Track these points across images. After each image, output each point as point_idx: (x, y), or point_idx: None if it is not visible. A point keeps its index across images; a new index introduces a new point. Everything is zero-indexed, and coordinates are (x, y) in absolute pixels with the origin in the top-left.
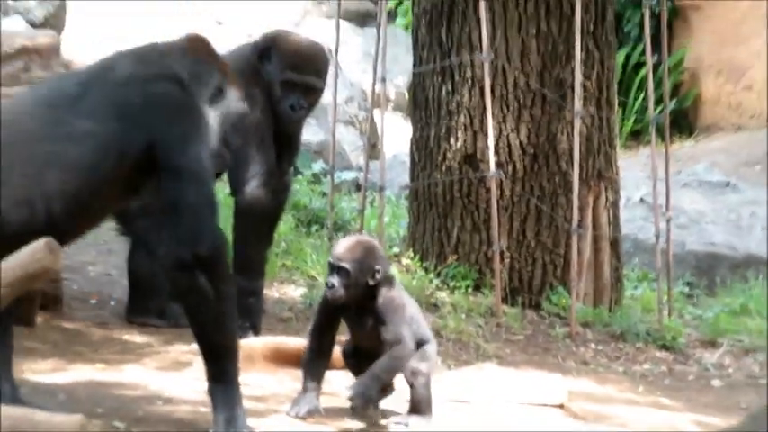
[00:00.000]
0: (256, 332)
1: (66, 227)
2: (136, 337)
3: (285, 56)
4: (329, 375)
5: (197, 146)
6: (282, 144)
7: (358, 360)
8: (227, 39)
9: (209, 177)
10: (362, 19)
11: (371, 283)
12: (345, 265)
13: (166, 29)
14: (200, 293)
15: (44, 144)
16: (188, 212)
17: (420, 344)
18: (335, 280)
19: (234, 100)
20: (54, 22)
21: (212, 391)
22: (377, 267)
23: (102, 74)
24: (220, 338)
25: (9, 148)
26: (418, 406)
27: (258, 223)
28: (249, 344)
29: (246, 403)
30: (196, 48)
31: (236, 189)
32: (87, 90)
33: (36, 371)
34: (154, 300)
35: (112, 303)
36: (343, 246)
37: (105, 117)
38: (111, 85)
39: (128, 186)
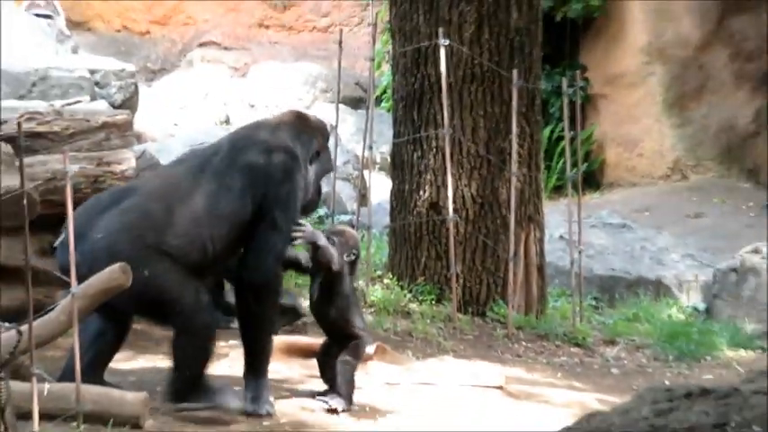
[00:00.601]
0: (275, 333)
1: (222, 261)
2: None
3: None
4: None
5: (292, 205)
6: None
7: (330, 358)
8: (257, 117)
9: (289, 233)
10: (356, 103)
11: (347, 259)
12: (335, 237)
13: (213, 112)
14: (248, 307)
15: (200, 197)
16: (263, 252)
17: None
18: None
19: (326, 160)
20: (129, 104)
21: (246, 377)
22: (354, 250)
23: (233, 145)
24: (257, 342)
25: (174, 201)
26: (340, 389)
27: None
28: None
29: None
30: (299, 121)
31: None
32: (223, 158)
33: (114, 360)
34: None
35: None
36: (337, 227)
37: (240, 177)
38: (241, 152)
39: (247, 227)
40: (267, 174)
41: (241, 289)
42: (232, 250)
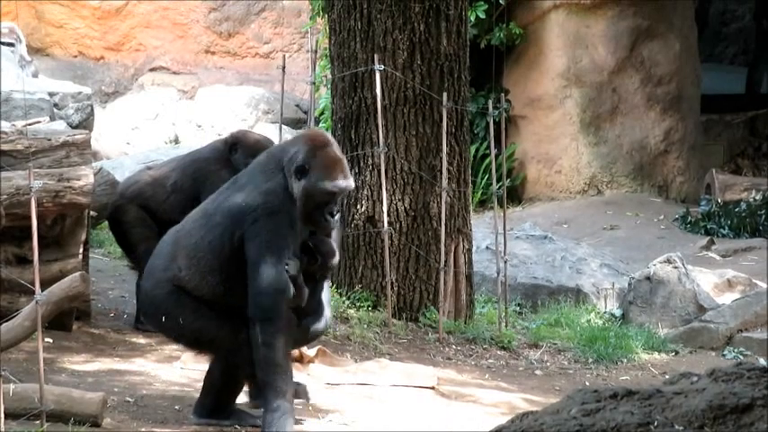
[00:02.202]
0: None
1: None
2: (141, 340)
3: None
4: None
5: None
6: None
7: None
8: (206, 138)
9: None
10: (296, 123)
11: None
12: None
13: (163, 132)
14: (254, 341)
15: (198, 234)
16: (256, 292)
17: None
18: None
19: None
20: (86, 124)
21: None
22: None
23: (233, 184)
24: (264, 373)
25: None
26: None
27: None
28: None
29: None
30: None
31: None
32: (224, 197)
33: (72, 362)
34: None
35: (125, 316)
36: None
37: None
38: (233, 193)
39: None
40: (244, 215)
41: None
42: (232, 285)
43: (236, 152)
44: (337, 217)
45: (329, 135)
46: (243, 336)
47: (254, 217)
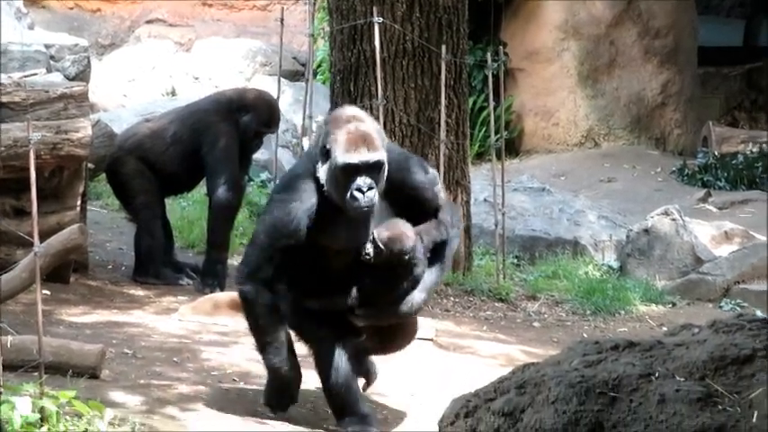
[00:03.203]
0: (222, 289)
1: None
2: (139, 292)
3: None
4: None
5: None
6: (241, 161)
7: None
8: (203, 90)
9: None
10: (293, 76)
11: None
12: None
13: (160, 84)
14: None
15: None
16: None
17: None
18: None
19: None
20: (82, 76)
21: None
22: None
23: None
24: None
25: None
26: None
27: (226, 214)
28: (216, 297)
29: (214, 337)
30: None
31: (211, 191)
32: None
33: (70, 314)
34: (151, 266)
35: (123, 268)
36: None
37: None
38: None
39: None
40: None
41: None
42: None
43: (245, 114)
44: (371, 194)
45: (356, 110)
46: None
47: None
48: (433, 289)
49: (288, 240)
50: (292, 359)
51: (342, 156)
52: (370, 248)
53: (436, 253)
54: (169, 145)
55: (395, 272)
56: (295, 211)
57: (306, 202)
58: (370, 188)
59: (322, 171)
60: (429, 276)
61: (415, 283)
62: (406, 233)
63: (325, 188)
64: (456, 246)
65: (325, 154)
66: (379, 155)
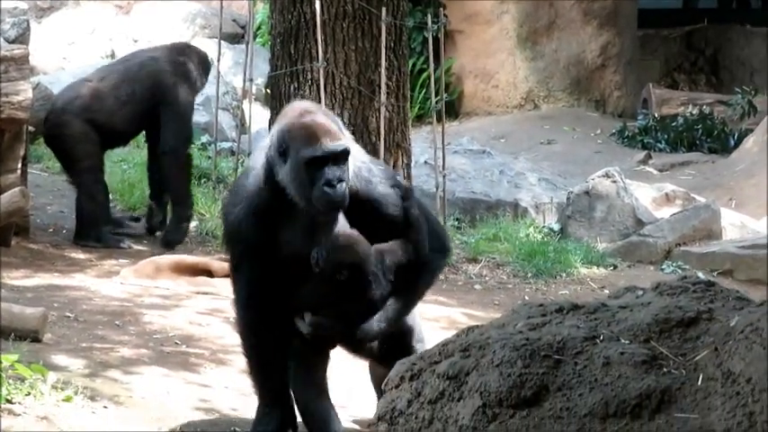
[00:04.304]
0: (171, 248)
1: None
2: (80, 255)
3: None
4: None
5: None
6: None
7: None
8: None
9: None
10: (232, 38)
11: None
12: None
13: (100, 47)
14: None
15: None
16: None
17: None
18: None
19: None
20: (22, 39)
21: None
22: None
23: None
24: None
25: None
26: None
27: (180, 163)
28: (157, 259)
29: (156, 300)
30: None
31: (165, 144)
32: None
33: (12, 278)
34: (93, 230)
35: (64, 232)
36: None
37: None
38: None
39: None
40: None
41: None
42: None
43: (193, 67)
44: (341, 186)
45: (307, 103)
46: None
47: None
48: (395, 320)
49: (244, 243)
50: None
51: (303, 150)
52: (316, 254)
53: (406, 280)
54: (124, 104)
55: (347, 288)
56: (239, 212)
57: (250, 203)
58: (339, 180)
59: (283, 173)
60: (392, 305)
61: (372, 307)
62: (360, 245)
63: (290, 192)
64: (435, 275)
65: (283, 154)
66: (343, 143)
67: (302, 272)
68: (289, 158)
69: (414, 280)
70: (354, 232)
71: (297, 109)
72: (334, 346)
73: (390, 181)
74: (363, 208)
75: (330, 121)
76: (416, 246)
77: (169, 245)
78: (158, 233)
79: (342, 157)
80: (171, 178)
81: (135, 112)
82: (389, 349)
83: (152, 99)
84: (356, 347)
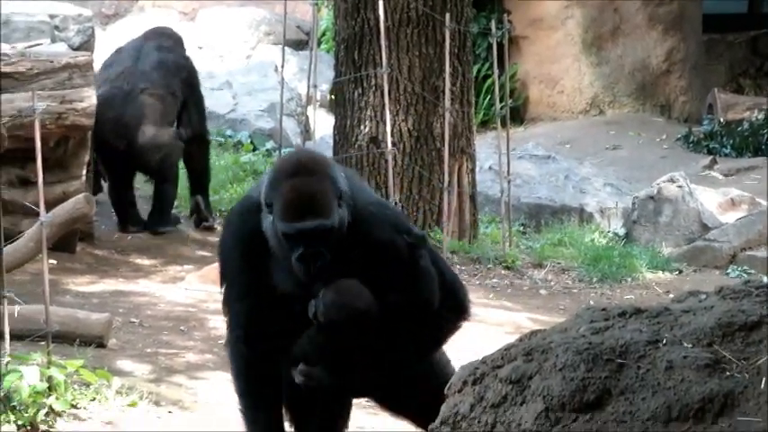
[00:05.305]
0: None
1: None
2: (145, 261)
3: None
4: None
5: None
6: None
7: None
8: (210, 59)
9: None
10: (296, 45)
11: None
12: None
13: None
14: None
15: None
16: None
17: None
18: None
19: None
20: (86, 46)
21: None
22: None
23: None
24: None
25: None
26: None
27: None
28: None
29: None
30: None
31: (205, 131)
32: None
33: (77, 284)
34: (170, 214)
35: (129, 237)
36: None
37: None
38: None
39: None
40: None
41: None
42: None
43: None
44: (318, 263)
45: (308, 156)
46: None
47: None
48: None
49: (236, 264)
50: None
51: (281, 222)
52: (312, 309)
53: (407, 337)
54: (178, 104)
55: (344, 340)
56: (230, 238)
57: (242, 229)
58: (314, 257)
59: (266, 222)
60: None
61: (371, 360)
62: (361, 298)
63: (270, 243)
64: (443, 334)
65: (269, 206)
66: (325, 220)
67: (297, 317)
68: (273, 216)
69: (414, 337)
70: (354, 284)
71: (293, 163)
72: (335, 399)
73: (400, 228)
74: (366, 254)
75: (321, 186)
76: (424, 301)
77: (211, 224)
78: (205, 223)
79: (321, 235)
80: (206, 162)
81: (179, 111)
82: (431, 406)
83: (184, 91)
84: (381, 400)
